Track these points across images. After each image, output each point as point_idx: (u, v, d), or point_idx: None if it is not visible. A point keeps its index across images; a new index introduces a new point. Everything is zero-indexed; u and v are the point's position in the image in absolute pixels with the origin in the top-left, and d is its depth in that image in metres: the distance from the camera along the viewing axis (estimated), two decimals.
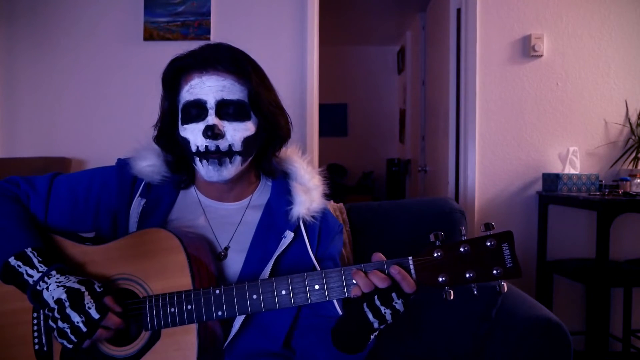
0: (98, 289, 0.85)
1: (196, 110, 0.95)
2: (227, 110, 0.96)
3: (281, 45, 2.57)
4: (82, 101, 2.58)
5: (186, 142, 0.97)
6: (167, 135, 1.03)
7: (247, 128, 0.97)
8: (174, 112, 1.00)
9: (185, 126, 0.97)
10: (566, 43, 2.58)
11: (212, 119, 0.94)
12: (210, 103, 0.95)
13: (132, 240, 0.93)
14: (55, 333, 0.83)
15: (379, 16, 4.81)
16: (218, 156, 0.95)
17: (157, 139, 1.04)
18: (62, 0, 2.57)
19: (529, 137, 2.60)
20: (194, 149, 0.96)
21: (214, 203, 1.06)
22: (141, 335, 0.88)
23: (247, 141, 0.97)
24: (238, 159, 0.98)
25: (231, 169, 0.97)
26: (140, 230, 0.95)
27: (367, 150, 5.96)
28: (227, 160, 0.96)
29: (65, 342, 0.82)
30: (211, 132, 0.93)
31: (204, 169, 0.97)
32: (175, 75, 0.99)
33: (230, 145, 0.96)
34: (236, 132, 0.96)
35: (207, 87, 0.95)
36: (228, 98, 0.95)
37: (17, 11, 2.57)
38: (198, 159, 0.96)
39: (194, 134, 0.96)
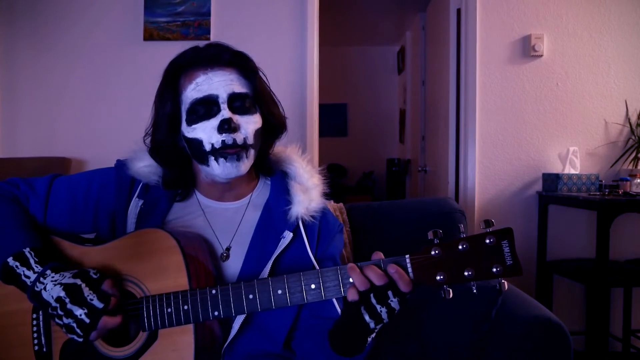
0: (94, 276, 0.85)
1: (205, 107, 0.94)
2: (238, 103, 0.96)
3: (281, 45, 2.57)
4: (82, 101, 2.58)
5: (197, 142, 0.95)
6: (166, 145, 0.99)
7: (255, 121, 0.98)
8: (175, 115, 0.98)
9: (194, 126, 0.95)
10: (566, 43, 2.58)
11: (226, 112, 0.93)
12: (222, 97, 0.94)
13: (130, 241, 0.93)
14: (64, 330, 0.83)
15: (379, 16, 4.80)
16: (236, 151, 0.94)
17: (156, 151, 1.00)
18: (62, 0, 2.57)
19: (529, 137, 2.59)
20: (208, 147, 0.94)
21: (213, 203, 1.05)
22: (139, 336, 0.88)
23: (256, 134, 0.98)
24: (252, 152, 0.98)
25: (247, 163, 0.97)
26: (138, 230, 0.95)
27: (367, 150, 5.96)
28: (244, 154, 0.96)
29: (75, 337, 0.82)
30: (228, 126, 0.92)
31: (221, 167, 0.95)
32: (174, 76, 0.97)
33: (244, 139, 0.95)
34: (248, 125, 0.96)
35: (216, 82, 0.94)
36: (237, 91, 0.95)
37: (17, 11, 2.57)
38: (213, 157, 0.95)
39: (206, 132, 0.94)
